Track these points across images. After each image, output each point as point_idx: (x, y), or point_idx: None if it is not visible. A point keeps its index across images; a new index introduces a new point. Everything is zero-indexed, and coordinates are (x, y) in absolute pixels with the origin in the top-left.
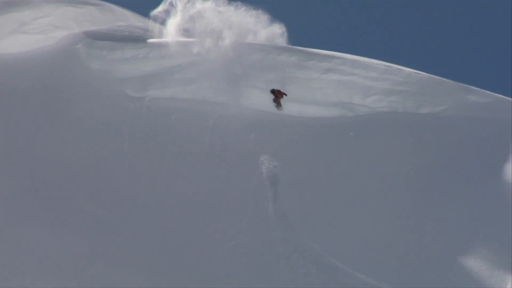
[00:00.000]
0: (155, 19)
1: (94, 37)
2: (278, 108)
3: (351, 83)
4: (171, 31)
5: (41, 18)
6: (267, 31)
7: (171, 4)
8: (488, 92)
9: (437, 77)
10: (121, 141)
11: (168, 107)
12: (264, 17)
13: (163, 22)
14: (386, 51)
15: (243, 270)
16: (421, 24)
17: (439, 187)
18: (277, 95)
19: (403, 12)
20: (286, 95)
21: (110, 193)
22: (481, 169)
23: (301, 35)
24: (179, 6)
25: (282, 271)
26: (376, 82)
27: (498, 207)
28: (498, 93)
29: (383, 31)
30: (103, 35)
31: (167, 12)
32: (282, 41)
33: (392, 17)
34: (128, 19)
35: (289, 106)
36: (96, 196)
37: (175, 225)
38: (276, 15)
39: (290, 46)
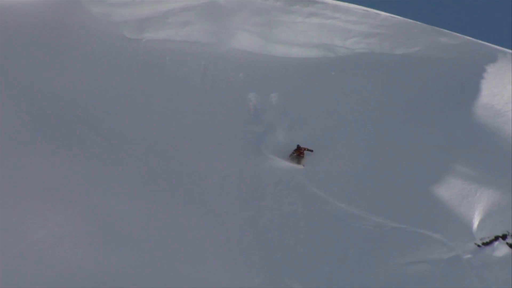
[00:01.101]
0: None
1: None
2: (295, 163)
3: (332, 26)
4: None
5: None
6: None
7: None
8: (458, 34)
9: (411, 20)
10: (120, 78)
11: (163, 48)
12: None
13: None
14: None
15: (232, 199)
16: None
17: (411, 121)
18: (300, 153)
19: None
20: (312, 151)
21: (108, 125)
22: (450, 105)
23: None
24: None
25: (269, 200)
26: (355, 26)
27: (466, 141)
28: (467, 35)
29: None
30: None
31: None
32: None
33: None
34: None
35: (275, 47)
36: (95, 128)
37: (169, 156)
38: None
39: None
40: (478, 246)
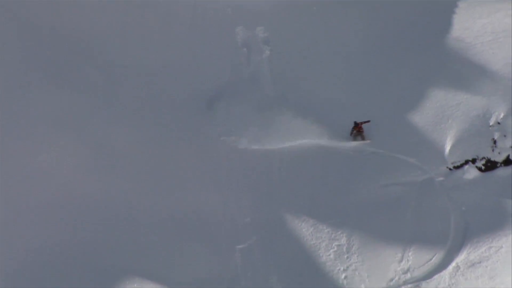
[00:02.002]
0: None
1: None
2: (359, 140)
3: None
4: None
5: None
6: None
7: None
8: None
9: None
10: (117, 15)
11: None
12: None
13: None
14: None
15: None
16: None
17: (389, 53)
18: (359, 128)
19: None
20: (368, 121)
21: (106, 58)
22: (425, 39)
23: None
24: None
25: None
26: None
27: (439, 71)
28: None
29: None
30: None
31: None
32: None
33: None
34: None
35: None
36: (94, 61)
37: (165, 85)
38: None
39: None
40: (450, 169)
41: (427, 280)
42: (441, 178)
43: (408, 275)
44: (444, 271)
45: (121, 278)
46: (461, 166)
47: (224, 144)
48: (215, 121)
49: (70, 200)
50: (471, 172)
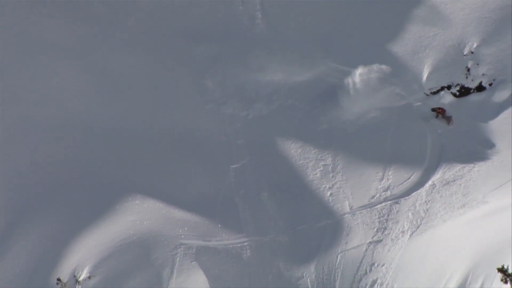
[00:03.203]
0: None
1: None
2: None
3: None
4: None
5: None
6: None
7: None
8: None
9: None
10: None
11: None
12: None
13: None
14: None
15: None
16: None
17: None
18: (441, 112)
19: None
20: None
21: None
22: None
23: None
24: None
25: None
26: None
27: (418, 7)
28: None
29: None
30: None
31: None
32: None
33: None
34: None
35: None
36: None
37: (160, 17)
38: None
39: None
40: (427, 95)
41: (406, 197)
42: (418, 103)
43: (388, 193)
44: (421, 189)
45: (124, 194)
46: (437, 92)
47: (217, 70)
48: (208, 50)
49: (73, 121)
50: (446, 98)
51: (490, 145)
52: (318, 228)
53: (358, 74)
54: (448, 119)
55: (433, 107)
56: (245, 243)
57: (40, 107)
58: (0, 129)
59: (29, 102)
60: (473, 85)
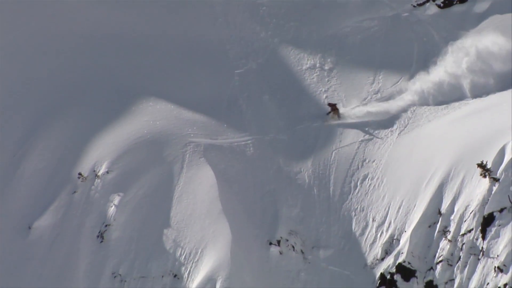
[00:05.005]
0: None
1: None
2: (333, 118)
3: None
4: None
5: None
6: None
7: None
8: None
9: None
10: None
11: None
12: None
13: None
14: None
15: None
16: None
17: None
18: (334, 109)
19: None
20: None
21: None
22: None
23: None
24: None
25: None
26: None
27: None
28: None
29: None
30: None
31: None
32: None
33: None
34: None
35: None
36: None
37: None
38: None
39: None
40: (414, 6)
41: (394, 99)
42: (406, 14)
43: (378, 95)
44: (408, 91)
45: (138, 97)
46: (423, 3)
47: None
48: None
49: (91, 31)
50: (431, 9)
51: None
52: (315, 128)
53: None
54: (338, 114)
55: (329, 102)
56: (249, 141)
57: (60, 18)
58: (23, 38)
59: (50, 13)
60: None
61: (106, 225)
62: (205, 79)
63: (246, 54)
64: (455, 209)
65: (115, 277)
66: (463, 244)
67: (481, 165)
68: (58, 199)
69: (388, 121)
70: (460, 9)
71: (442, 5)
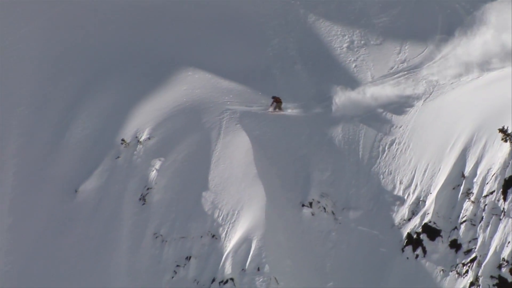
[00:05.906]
0: None
1: None
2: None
3: None
4: None
5: None
6: None
7: None
8: None
9: None
10: None
11: None
12: None
13: None
14: None
15: None
16: None
17: None
18: (277, 101)
19: None
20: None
21: None
22: None
23: None
24: None
25: None
26: None
27: None
28: None
29: None
30: None
31: None
32: None
33: None
34: None
35: None
36: None
37: None
38: None
39: None
40: None
41: (420, 68)
42: None
43: (405, 64)
44: (433, 61)
45: (177, 67)
46: None
47: None
48: None
49: (131, 2)
50: None
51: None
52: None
53: None
54: (280, 107)
55: (273, 95)
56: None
57: None
58: (75, 14)
59: None
60: None
61: (148, 189)
62: (241, 50)
63: (279, 26)
64: (478, 172)
65: (156, 237)
66: (486, 205)
67: (503, 130)
68: (102, 164)
69: (414, 89)
70: None
71: None
